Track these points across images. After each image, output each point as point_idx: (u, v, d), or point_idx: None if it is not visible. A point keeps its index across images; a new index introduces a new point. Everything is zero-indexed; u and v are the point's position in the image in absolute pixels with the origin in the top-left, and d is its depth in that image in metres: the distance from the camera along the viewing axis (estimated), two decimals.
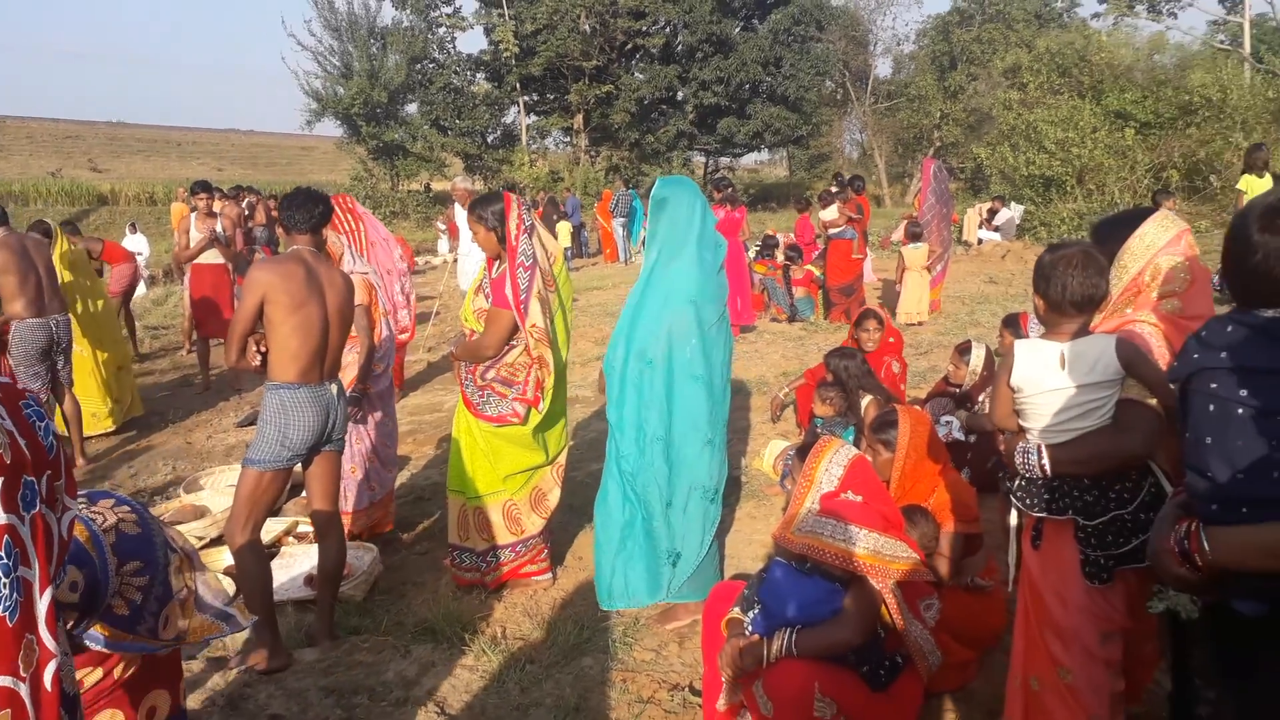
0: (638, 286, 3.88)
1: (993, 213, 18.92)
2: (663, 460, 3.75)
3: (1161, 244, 2.56)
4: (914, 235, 10.91)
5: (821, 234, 11.43)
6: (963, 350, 5.61)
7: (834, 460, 3.19)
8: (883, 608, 2.96)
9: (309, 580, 4.39)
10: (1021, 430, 2.55)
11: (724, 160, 41.32)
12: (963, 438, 5.29)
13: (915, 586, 3.19)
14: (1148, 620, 2.58)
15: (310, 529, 4.54)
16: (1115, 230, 2.62)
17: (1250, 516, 1.67)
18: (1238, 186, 11.04)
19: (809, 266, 11.27)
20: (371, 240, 5.83)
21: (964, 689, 3.40)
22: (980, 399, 5.39)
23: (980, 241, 18.21)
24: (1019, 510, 2.61)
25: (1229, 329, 1.74)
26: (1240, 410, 1.66)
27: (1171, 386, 1.98)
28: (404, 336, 6.62)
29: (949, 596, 3.44)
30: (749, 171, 48.83)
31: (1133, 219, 2.63)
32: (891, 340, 6.38)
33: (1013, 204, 19.59)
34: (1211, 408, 1.73)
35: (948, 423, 5.33)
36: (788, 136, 36.74)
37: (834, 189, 11.91)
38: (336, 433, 3.84)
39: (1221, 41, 30.84)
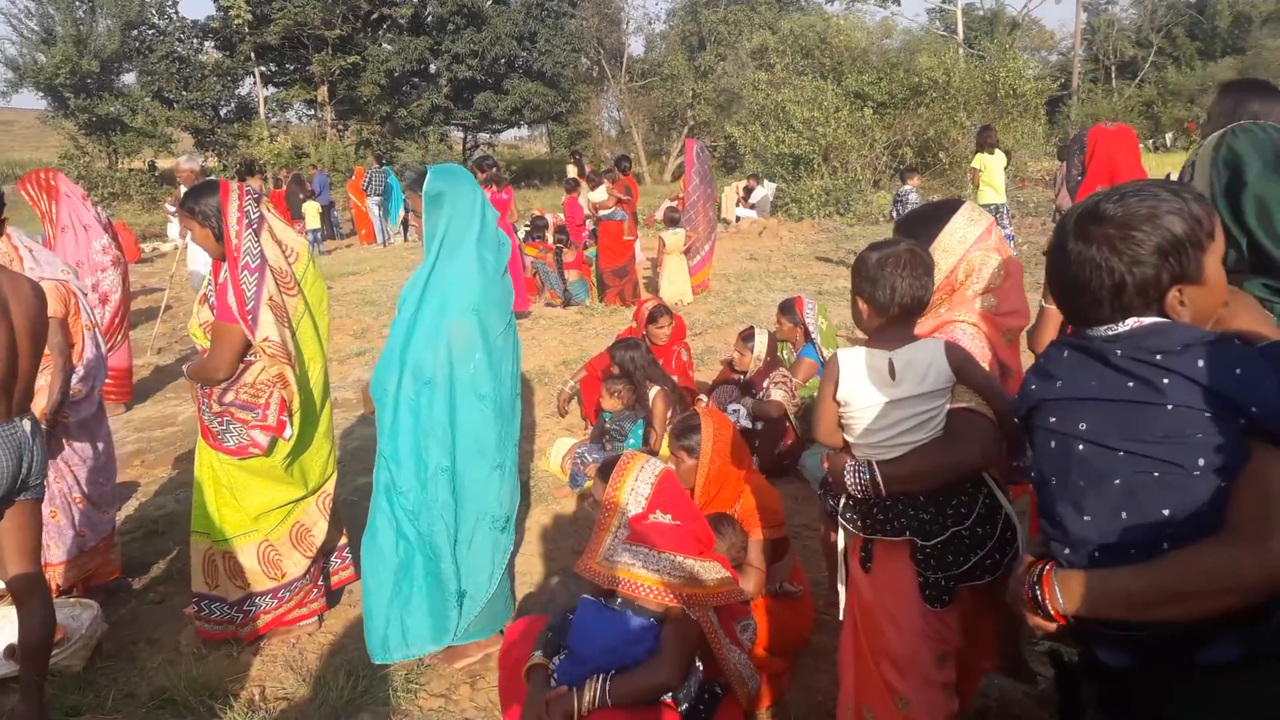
0: (411, 293, 3.35)
1: (748, 190, 19.49)
2: (449, 494, 3.28)
3: (973, 238, 2.40)
4: (672, 220, 10.93)
5: (591, 215, 11.17)
6: (746, 337, 5.49)
7: (640, 478, 2.87)
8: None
9: (9, 653, 3.56)
10: (847, 446, 2.32)
11: (483, 136, 40.36)
12: (750, 425, 5.17)
13: (731, 608, 2.95)
14: (980, 633, 2.45)
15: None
16: (924, 226, 2.44)
17: (1102, 560, 1.48)
18: (973, 165, 11.85)
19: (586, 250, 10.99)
20: (62, 224, 4.84)
21: (779, 702, 3.21)
22: (765, 385, 5.28)
23: (738, 219, 18.71)
24: (846, 531, 2.39)
25: (1064, 354, 1.57)
26: (1080, 446, 1.49)
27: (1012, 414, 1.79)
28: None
29: (760, 608, 3.24)
30: (509, 148, 48.01)
31: (941, 213, 2.46)
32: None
33: (765, 181, 20.29)
34: (1053, 444, 1.55)
35: (734, 411, 5.20)
36: (547, 113, 36.42)
37: (571, 171, 11.69)
38: (34, 478, 3.08)
39: (938, 28, 33.57)
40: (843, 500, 2.36)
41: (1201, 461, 1.35)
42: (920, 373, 2.18)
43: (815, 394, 5.54)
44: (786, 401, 5.16)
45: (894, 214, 11.97)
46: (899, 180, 12.31)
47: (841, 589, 2.45)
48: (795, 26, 24.81)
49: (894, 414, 2.20)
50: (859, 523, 2.31)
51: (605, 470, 2.95)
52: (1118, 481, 1.43)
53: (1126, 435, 1.42)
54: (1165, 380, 1.38)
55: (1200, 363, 1.36)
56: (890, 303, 2.18)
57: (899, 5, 35.39)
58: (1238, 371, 1.35)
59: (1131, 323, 1.48)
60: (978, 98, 20.19)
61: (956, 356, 2.20)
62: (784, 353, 5.64)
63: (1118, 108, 33.37)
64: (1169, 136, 28.11)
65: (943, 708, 2.33)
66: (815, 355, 5.59)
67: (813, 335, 5.60)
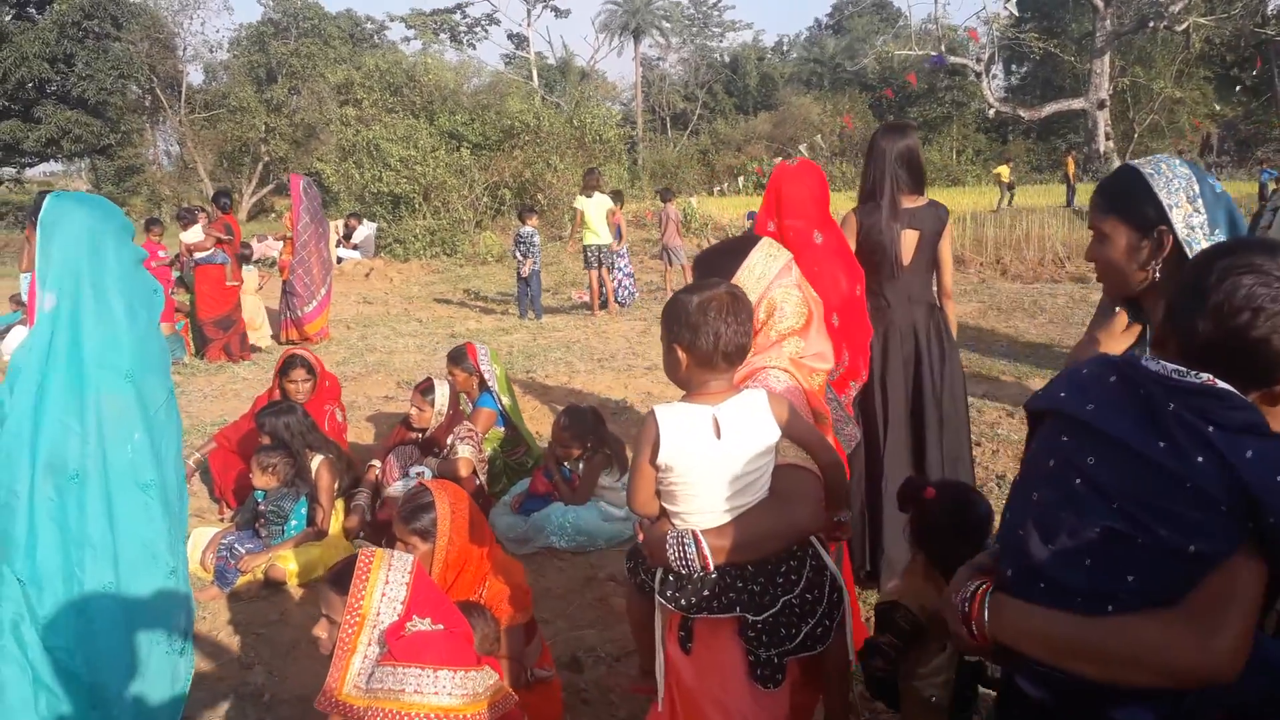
0: (28, 360, 2.52)
1: (350, 230, 18.56)
2: (117, 617, 2.50)
3: (773, 275, 2.28)
4: (243, 258, 10.02)
5: (187, 259, 9.79)
6: (424, 390, 5.02)
7: (391, 579, 2.40)
8: None
9: None
10: (665, 515, 2.07)
11: (7, 171, 34.39)
12: None
13: (504, 717, 2.55)
14: (803, 703, 2.31)
15: None
16: (722, 262, 2.28)
17: (1045, 595, 1.40)
18: (575, 205, 12.23)
19: (174, 294, 9.57)
20: None
21: None
22: (449, 441, 4.86)
23: (340, 260, 17.72)
24: (664, 609, 2.13)
25: (1111, 379, 1.40)
26: (1079, 480, 1.36)
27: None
28: None
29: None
30: (41, 184, 41.43)
31: (738, 249, 2.32)
32: (328, 384, 5.50)
33: (365, 221, 19.48)
34: (1052, 463, 1.42)
35: (419, 474, 4.70)
36: (91, 145, 31.98)
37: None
38: None
39: (515, 74, 34.82)
40: (659, 575, 2.10)
41: (1191, 547, 1.26)
42: (747, 428, 1.99)
43: (498, 446, 5.30)
44: (474, 457, 4.78)
45: (516, 255, 11.96)
46: (519, 220, 12.36)
47: (660, 675, 2.18)
48: (380, 63, 24.22)
49: (720, 476, 1.98)
50: (680, 600, 2.06)
51: (340, 576, 2.43)
52: (1098, 530, 1.33)
53: (1132, 493, 1.30)
54: (1200, 459, 1.26)
55: (1249, 453, 1.24)
56: (713, 351, 1.96)
57: (475, 50, 36.15)
58: (1279, 478, 1.25)
59: (1205, 378, 1.32)
60: (567, 142, 21.12)
61: (781, 407, 2.05)
62: (461, 405, 5.25)
63: (681, 155, 36.95)
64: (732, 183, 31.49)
65: None
66: (493, 404, 5.27)
67: (489, 383, 5.28)
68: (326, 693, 2.27)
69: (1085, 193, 24.62)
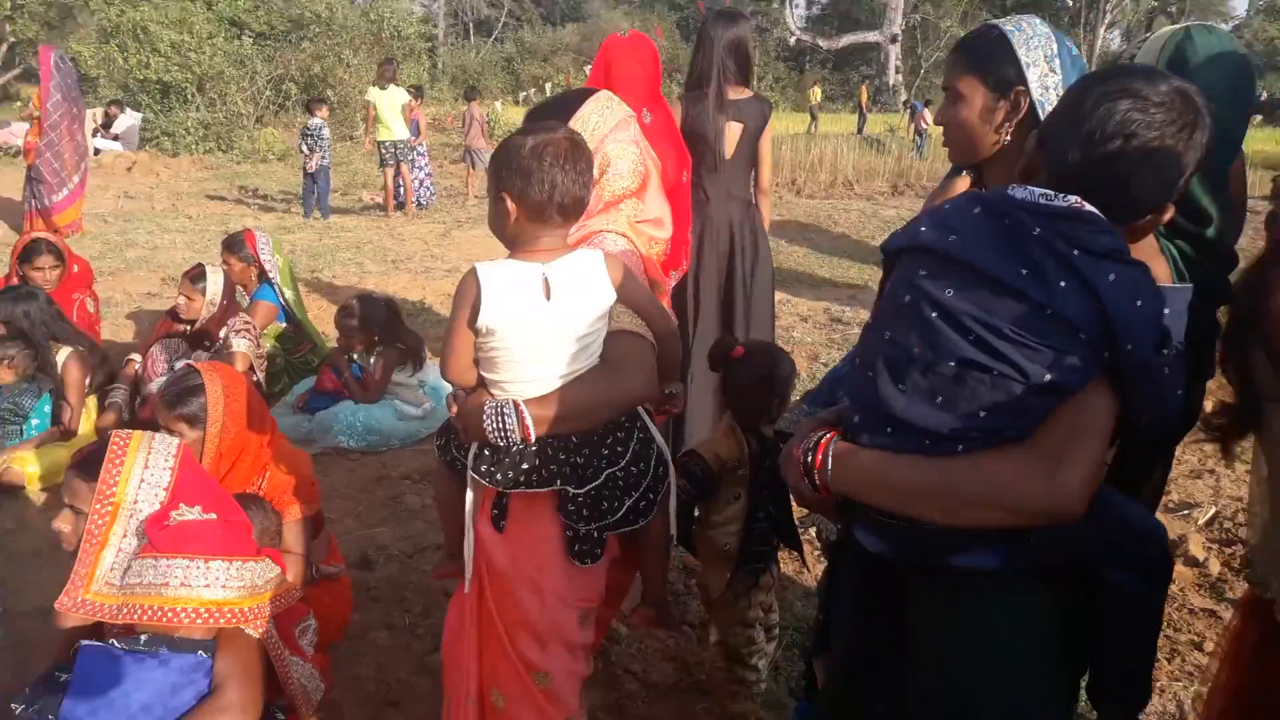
0: None
1: (110, 119, 16.62)
2: None
3: (608, 128, 2.07)
4: None
5: None
6: (194, 277, 4.49)
7: (151, 463, 2.10)
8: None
9: None
10: (483, 384, 1.87)
11: None
12: None
13: (288, 611, 2.31)
14: (617, 582, 2.21)
15: None
16: (551, 114, 2.05)
17: (893, 440, 1.33)
18: (367, 98, 11.44)
19: None
20: None
21: (325, 703, 2.65)
22: (222, 334, 4.39)
23: (98, 152, 15.87)
24: (477, 486, 1.94)
25: (975, 210, 1.32)
26: (935, 314, 1.28)
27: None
28: None
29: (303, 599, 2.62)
30: None
31: (570, 100, 2.10)
32: (76, 270, 4.84)
33: (129, 110, 17.50)
34: (907, 298, 1.33)
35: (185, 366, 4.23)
36: None
37: None
38: None
39: None
40: (473, 450, 1.90)
41: (1047, 377, 1.21)
42: (580, 290, 1.81)
43: (277, 341, 4.86)
44: (251, 352, 4.35)
45: (302, 148, 11.06)
46: (306, 113, 11.41)
47: (468, 557, 1.99)
48: None
49: (549, 341, 1.80)
50: (496, 475, 1.87)
51: (88, 461, 2.10)
52: (952, 364, 1.26)
53: (988, 322, 1.23)
54: (1062, 283, 1.20)
55: (1111, 277, 1.20)
56: (547, 203, 1.75)
57: None
58: (1138, 304, 1.21)
59: (1073, 200, 1.26)
60: (362, 37, 19.74)
61: (617, 270, 1.87)
62: (238, 297, 4.76)
63: (485, 61, 35.58)
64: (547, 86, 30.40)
65: (582, 675, 2.04)
66: (274, 296, 4.82)
67: (270, 274, 4.82)
68: (69, 592, 1.95)
69: (875, 122, 25.84)
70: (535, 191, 1.73)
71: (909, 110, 23.90)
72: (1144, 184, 1.27)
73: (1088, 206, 1.25)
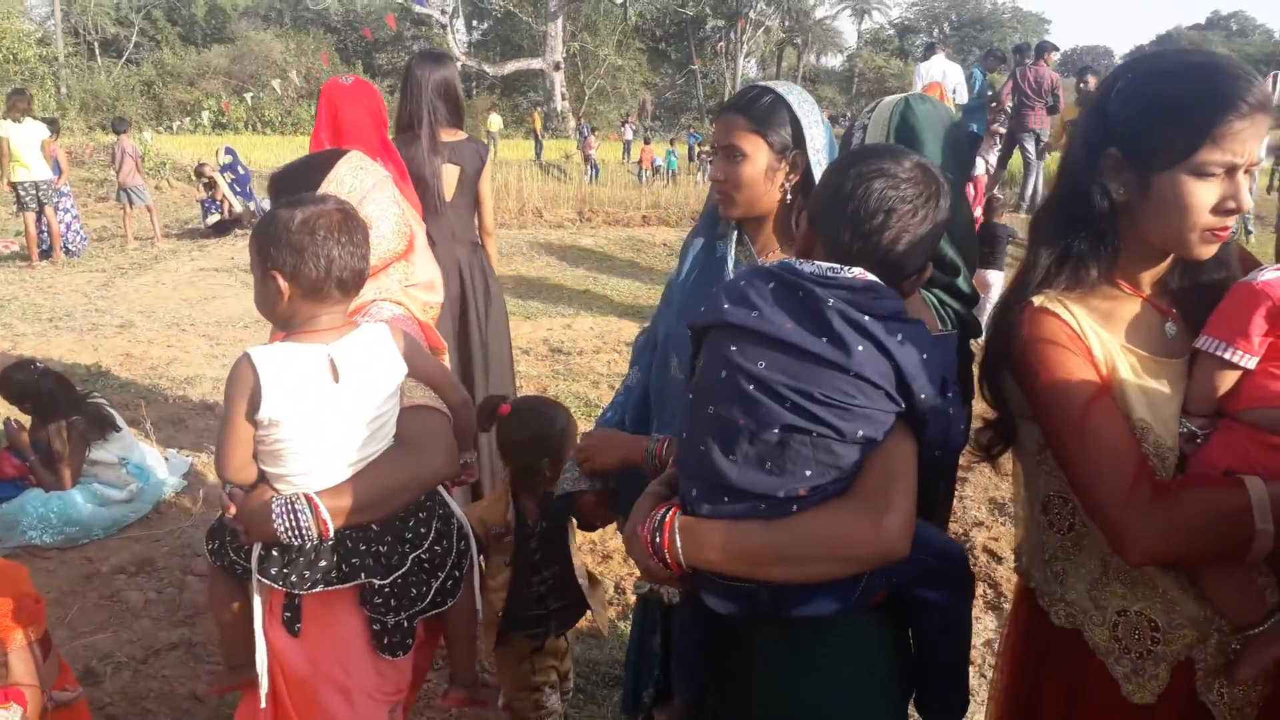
0: None
1: None
2: None
3: (366, 189, 1.96)
4: None
5: None
6: None
7: None
8: None
9: None
10: (264, 479, 1.71)
11: None
12: None
13: None
14: (420, 662, 2.10)
15: None
16: (302, 179, 1.91)
17: (731, 509, 1.40)
18: None
19: None
20: None
21: None
22: None
23: None
24: (265, 589, 1.78)
25: (770, 285, 1.40)
26: (752, 386, 1.36)
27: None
28: None
29: None
30: None
31: (320, 163, 1.97)
32: None
33: None
34: (723, 374, 1.40)
35: None
36: None
37: None
38: None
39: None
40: (257, 551, 1.73)
41: (859, 433, 1.32)
42: (370, 368, 1.71)
43: None
44: None
45: None
46: None
47: (262, 666, 1.81)
48: None
49: (340, 426, 1.68)
50: (291, 576, 1.72)
51: None
52: (775, 431, 1.34)
53: (801, 389, 1.32)
54: (860, 347, 1.31)
55: (899, 337, 1.33)
56: (324, 279, 1.64)
57: None
58: (924, 357, 1.34)
59: (857, 273, 1.37)
60: None
61: (404, 343, 1.79)
62: None
63: (119, 85, 32.16)
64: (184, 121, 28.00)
65: None
66: None
67: None
68: None
69: (552, 148, 26.52)
70: (310, 268, 1.62)
71: (580, 136, 24.87)
72: (908, 252, 1.41)
73: (869, 276, 1.38)
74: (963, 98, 10.62)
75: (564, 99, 33.29)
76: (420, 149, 3.54)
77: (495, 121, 25.37)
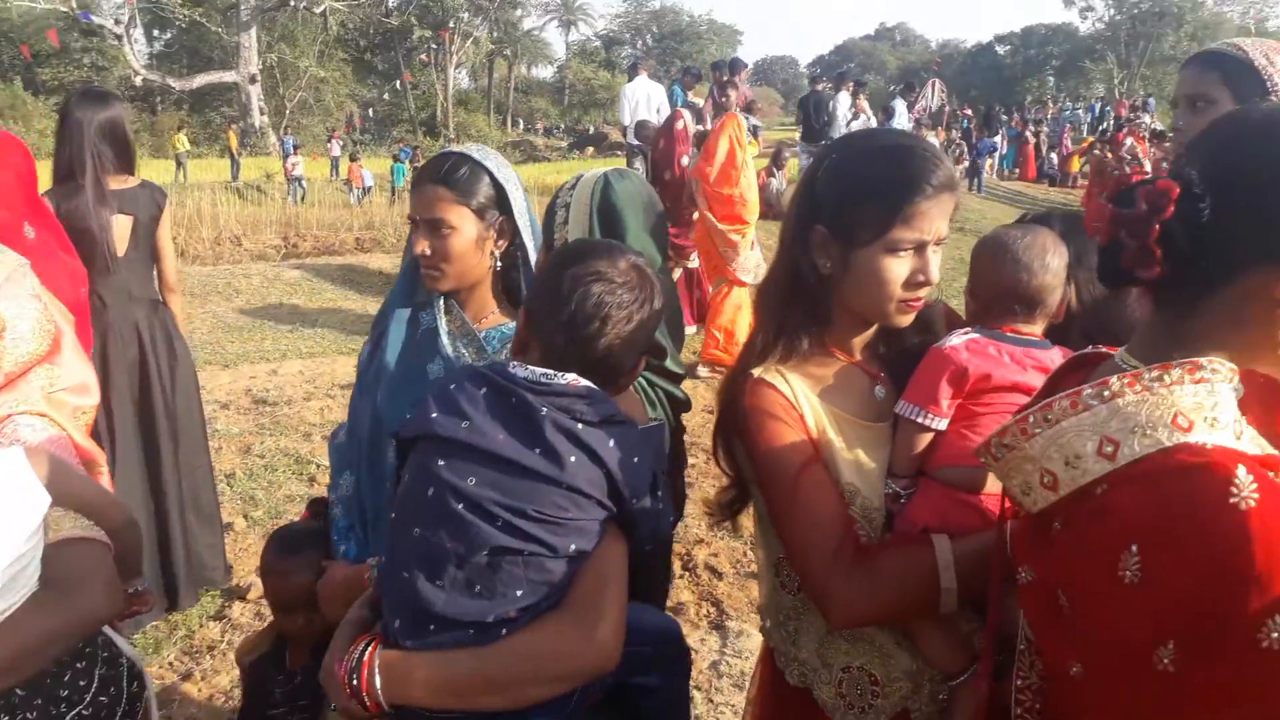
0: None
1: None
2: None
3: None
4: None
5: None
6: None
7: None
8: None
9: None
10: None
11: None
12: None
13: None
14: None
15: None
16: None
17: (437, 637, 1.30)
18: None
19: None
20: None
21: None
22: None
23: None
24: None
25: (482, 391, 1.33)
26: (460, 505, 1.28)
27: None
28: None
29: None
30: None
31: None
32: None
33: None
34: (430, 491, 1.31)
35: None
36: None
37: None
38: None
39: None
40: None
41: (572, 547, 1.29)
42: (2, 506, 1.43)
43: None
44: None
45: None
46: None
47: None
48: None
49: None
50: None
51: None
52: (485, 553, 1.26)
53: (513, 506, 1.26)
54: (573, 458, 1.26)
55: (612, 443, 1.30)
56: None
57: None
58: (635, 460, 1.32)
59: (570, 379, 1.31)
60: None
61: (45, 466, 1.50)
62: None
63: None
64: None
65: None
66: None
67: None
68: None
69: (251, 167, 24.83)
70: None
71: (282, 153, 23.49)
72: (622, 354, 1.40)
73: (583, 382, 1.35)
74: (666, 113, 11.09)
75: (262, 114, 31.32)
76: (84, 200, 3.17)
77: (183, 141, 23.36)
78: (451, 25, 39.34)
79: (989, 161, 21.61)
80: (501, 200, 1.80)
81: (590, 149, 34.07)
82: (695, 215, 6.92)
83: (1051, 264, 1.46)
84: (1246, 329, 0.96)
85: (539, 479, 1.28)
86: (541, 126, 47.48)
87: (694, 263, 7.31)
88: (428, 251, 1.78)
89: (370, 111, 40.37)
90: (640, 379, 1.75)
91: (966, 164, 19.20)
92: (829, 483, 1.43)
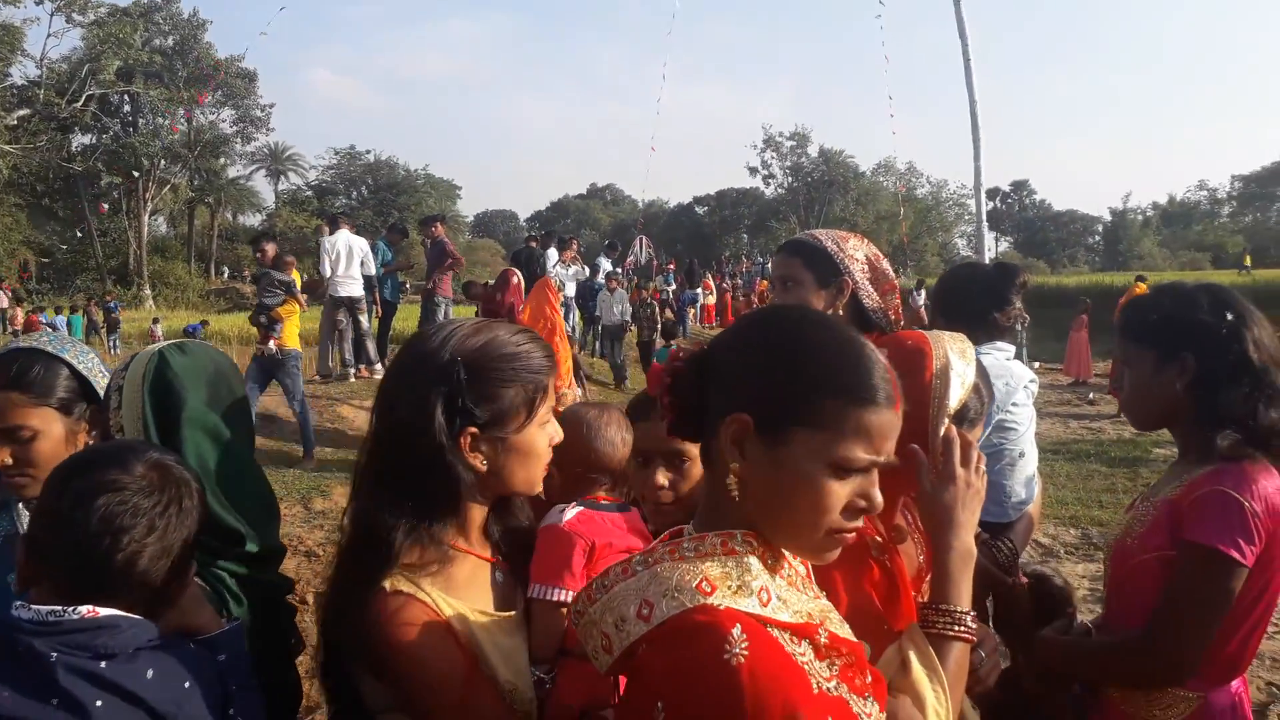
0: None
1: None
2: None
3: None
4: None
5: None
6: None
7: None
8: None
9: None
10: None
11: None
12: None
13: None
14: None
15: None
16: None
17: None
18: None
19: None
20: None
21: None
22: None
23: None
24: None
25: None
26: None
27: None
28: None
29: None
30: None
31: None
32: None
33: None
34: None
35: None
36: None
37: None
38: None
39: None
40: None
41: None
42: None
43: None
44: None
45: None
46: None
47: None
48: None
49: None
50: None
51: None
52: None
53: None
54: (99, 702, 1.10)
55: (150, 673, 1.15)
56: None
57: None
58: (186, 685, 1.18)
59: (86, 611, 1.15)
60: None
61: None
62: None
63: None
64: None
65: None
66: None
67: None
68: None
69: None
70: None
71: None
72: (152, 567, 1.24)
73: (105, 611, 1.20)
74: (370, 268, 10.97)
75: None
76: None
77: None
78: (141, 173, 37.13)
79: (691, 310, 23.29)
80: (87, 389, 1.68)
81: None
82: None
83: (628, 438, 1.53)
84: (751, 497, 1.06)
85: None
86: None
87: None
88: (8, 461, 1.59)
89: (49, 259, 36.76)
90: (212, 573, 1.53)
91: (673, 315, 20.51)
92: (491, 687, 1.33)
